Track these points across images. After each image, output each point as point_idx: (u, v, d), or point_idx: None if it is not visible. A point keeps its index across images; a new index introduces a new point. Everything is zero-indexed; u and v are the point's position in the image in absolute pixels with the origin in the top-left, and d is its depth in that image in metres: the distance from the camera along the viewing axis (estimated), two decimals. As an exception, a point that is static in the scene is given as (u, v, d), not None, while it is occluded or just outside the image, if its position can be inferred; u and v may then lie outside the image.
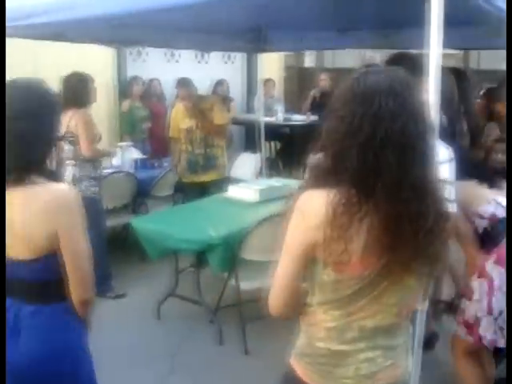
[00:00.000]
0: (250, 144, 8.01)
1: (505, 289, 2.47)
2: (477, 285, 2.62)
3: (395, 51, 3.16)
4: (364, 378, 1.54)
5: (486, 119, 4.21)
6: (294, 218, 1.49)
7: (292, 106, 9.55)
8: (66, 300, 1.81)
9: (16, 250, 1.75)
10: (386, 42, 4.64)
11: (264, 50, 6.11)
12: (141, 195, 5.43)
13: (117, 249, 4.89)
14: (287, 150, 8.69)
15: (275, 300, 1.55)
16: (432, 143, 1.46)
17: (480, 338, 2.59)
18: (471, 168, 3.20)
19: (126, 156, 5.70)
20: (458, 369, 2.81)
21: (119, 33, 4.41)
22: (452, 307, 3.04)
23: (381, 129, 1.37)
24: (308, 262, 1.49)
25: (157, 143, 6.97)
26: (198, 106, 5.27)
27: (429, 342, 3.22)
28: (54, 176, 1.84)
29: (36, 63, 6.38)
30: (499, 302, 2.51)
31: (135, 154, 5.99)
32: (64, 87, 4.41)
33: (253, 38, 5.79)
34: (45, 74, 6.59)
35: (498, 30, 2.62)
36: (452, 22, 2.28)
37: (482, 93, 4.60)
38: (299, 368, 1.59)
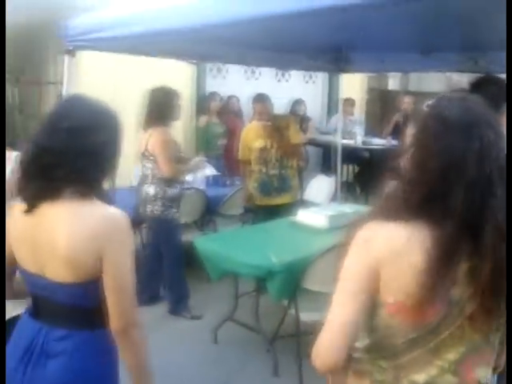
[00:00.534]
0: (327, 166, 7.86)
1: None
2: None
3: (482, 75, 2.96)
4: None
5: None
6: (356, 251, 1.36)
7: (373, 129, 9.31)
8: (100, 327, 1.71)
9: (55, 271, 1.67)
10: (472, 65, 4.38)
11: (344, 71, 5.98)
12: (210, 212, 5.37)
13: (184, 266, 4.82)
14: (365, 174, 8.43)
15: (324, 345, 1.38)
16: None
17: None
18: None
19: (198, 173, 5.66)
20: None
21: (198, 48, 4.39)
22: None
23: (486, 165, 1.27)
24: (367, 301, 1.35)
25: (231, 160, 6.90)
26: (274, 125, 5.06)
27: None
28: (107, 198, 1.74)
29: (116, 77, 6.50)
30: None
31: (209, 171, 5.95)
32: (149, 101, 4.36)
33: (333, 58, 5.68)
34: (124, 88, 6.78)
35: None
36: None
37: None
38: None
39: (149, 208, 4.42)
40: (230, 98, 7.66)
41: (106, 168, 1.74)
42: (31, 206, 1.66)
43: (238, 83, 8.10)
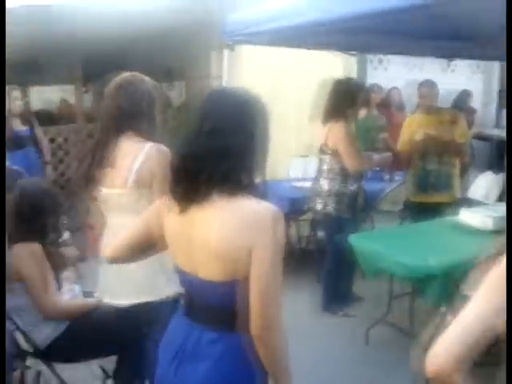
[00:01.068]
0: (495, 163, 7.34)
1: None
2: None
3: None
4: None
5: None
6: None
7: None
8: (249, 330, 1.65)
9: (207, 269, 1.66)
10: None
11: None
12: (367, 208, 5.21)
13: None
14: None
15: (447, 349, 1.23)
16: None
17: None
18: None
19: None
20: None
21: (356, 39, 4.26)
22: None
23: None
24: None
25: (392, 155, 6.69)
26: (439, 118, 4.76)
27: None
28: (258, 192, 1.68)
29: (274, 71, 6.54)
30: None
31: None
32: (331, 93, 4.25)
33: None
34: (283, 81, 6.81)
35: None
36: None
37: None
38: None
39: (320, 203, 4.36)
40: (391, 89, 7.40)
41: (253, 165, 1.68)
42: (182, 208, 1.67)
43: (400, 75, 7.81)
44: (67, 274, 3.19)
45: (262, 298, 1.60)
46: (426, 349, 1.30)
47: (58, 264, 2.94)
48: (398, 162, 5.47)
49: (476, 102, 8.17)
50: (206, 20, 5.99)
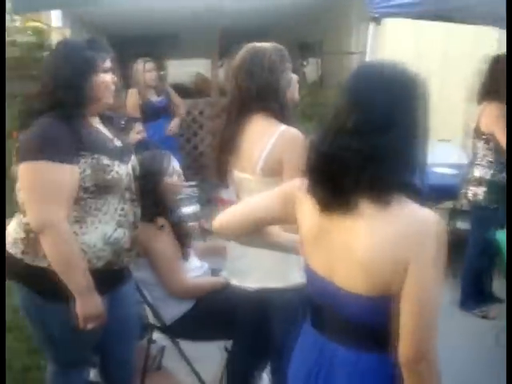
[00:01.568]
0: None
1: None
2: None
3: None
4: None
5: None
6: None
7: None
8: (387, 351, 1.43)
9: (346, 277, 1.45)
10: None
11: None
12: None
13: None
14: None
15: None
16: None
17: None
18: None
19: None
20: None
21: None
22: None
23: None
24: None
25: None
26: None
27: None
28: (418, 194, 1.42)
29: (417, 45, 6.14)
30: None
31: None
32: (486, 70, 3.85)
33: None
34: (427, 56, 6.37)
35: None
36: None
37: None
38: None
39: (471, 192, 4.01)
40: None
41: (412, 162, 1.40)
42: (322, 209, 1.46)
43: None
44: (196, 247, 3.12)
45: (416, 321, 1.36)
46: None
47: (184, 239, 2.86)
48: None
49: None
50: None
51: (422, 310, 1.36)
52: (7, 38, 6.33)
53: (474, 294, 4.15)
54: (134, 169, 2.37)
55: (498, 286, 4.26)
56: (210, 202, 6.35)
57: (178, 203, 3.09)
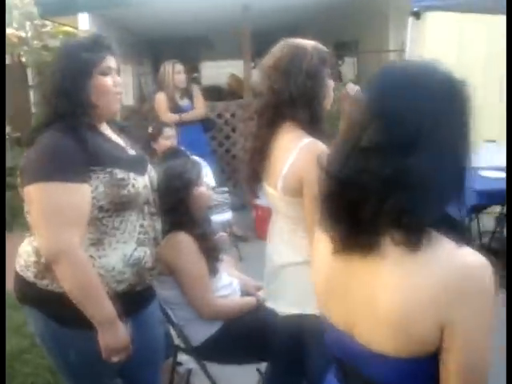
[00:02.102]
0: None
1: None
2: None
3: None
4: None
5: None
6: None
7: None
8: None
9: (370, 335, 1.17)
10: None
11: None
12: None
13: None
14: None
15: None
16: None
17: None
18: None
19: None
20: None
21: None
22: None
23: None
24: None
25: None
26: None
27: None
28: (460, 231, 1.13)
29: (461, 40, 5.83)
30: None
31: None
32: None
33: None
34: (471, 52, 6.05)
35: None
36: None
37: None
38: None
39: None
40: None
41: (450, 190, 1.10)
42: (339, 251, 1.18)
43: None
44: (226, 260, 2.92)
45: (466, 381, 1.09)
46: None
47: (212, 253, 2.65)
48: None
49: None
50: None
51: (468, 376, 1.09)
52: (40, 43, 6.29)
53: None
54: (151, 179, 2.16)
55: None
56: (244, 208, 6.18)
57: (205, 214, 2.88)
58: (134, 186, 1.98)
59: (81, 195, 1.85)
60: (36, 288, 1.96)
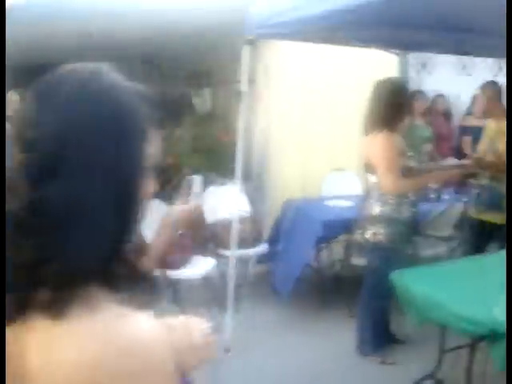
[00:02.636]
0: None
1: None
2: None
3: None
4: None
5: None
6: None
7: None
8: None
9: None
10: None
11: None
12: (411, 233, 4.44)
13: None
14: None
15: None
16: None
17: None
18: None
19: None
20: None
21: (400, 34, 3.56)
22: None
23: None
24: None
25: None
26: (499, 126, 4.07)
27: None
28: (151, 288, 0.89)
29: (308, 69, 5.90)
30: None
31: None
32: (373, 97, 3.55)
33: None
34: (316, 80, 6.12)
35: None
36: None
37: None
38: None
39: (370, 231, 3.64)
40: (437, 96, 6.63)
41: (114, 226, 0.80)
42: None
43: (447, 80, 7.02)
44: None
45: None
46: None
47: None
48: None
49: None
50: (234, 17, 5.37)
51: None
52: None
53: (373, 337, 3.78)
54: None
55: (396, 328, 3.94)
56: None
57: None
58: None
59: None
60: None
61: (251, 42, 3.39)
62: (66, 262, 0.75)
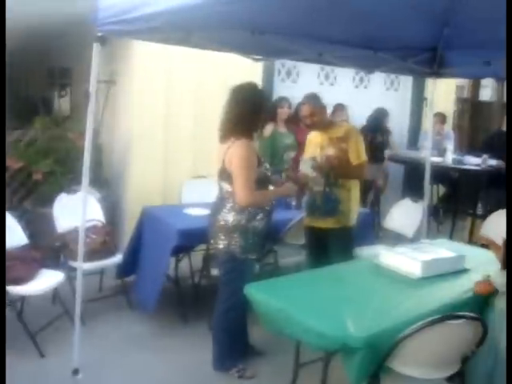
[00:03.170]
0: (410, 188, 6.82)
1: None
2: None
3: None
4: None
5: None
6: None
7: (461, 145, 8.25)
8: None
9: None
10: None
11: (438, 75, 4.95)
12: (270, 241, 4.36)
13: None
14: (452, 198, 7.38)
15: None
16: None
17: None
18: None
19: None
20: None
21: (260, 40, 3.46)
22: None
23: None
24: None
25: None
26: (328, 133, 4.12)
27: None
28: None
29: (170, 73, 5.72)
30: None
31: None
32: (231, 102, 3.39)
33: (426, 60, 4.69)
34: (178, 85, 5.96)
35: None
36: None
37: None
38: None
39: (223, 241, 3.47)
40: (300, 104, 6.66)
41: None
42: None
43: (310, 88, 7.10)
44: None
45: None
46: None
47: None
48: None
49: (394, 121, 7.62)
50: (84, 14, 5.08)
51: None
52: None
53: (228, 352, 3.64)
54: None
55: (255, 340, 3.85)
56: None
57: None
58: None
59: None
60: None
61: (100, 40, 3.13)
62: None
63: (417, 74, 5.89)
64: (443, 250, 3.45)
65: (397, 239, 4.95)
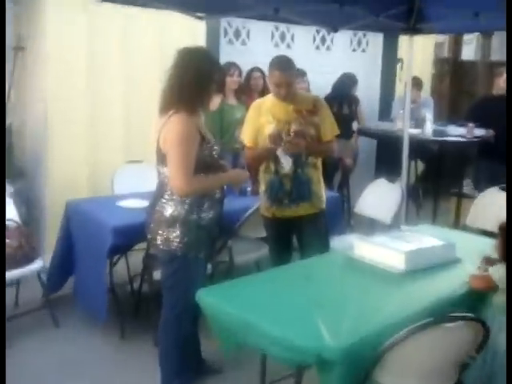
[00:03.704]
0: (384, 165, 6.86)
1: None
2: None
3: None
4: None
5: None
6: None
7: (440, 113, 8.35)
8: None
9: None
10: None
11: (415, 31, 4.93)
12: (223, 235, 4.27)
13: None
14: (433, 176, 7.44)
15: None
16: None
17: None
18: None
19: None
20: None
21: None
22: None
23: None
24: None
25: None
26: (294, 105, 4.01)
27: None
28: None
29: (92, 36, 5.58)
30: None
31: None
32: (171, 70, 3.27)
33: (401, 14, 4.68)
34: (103, 50, 5.81)
35: None
36: None
37: None
38: None
39: (161, 235, 3.37)
40: (251, 71, 6.61)
41: None
42: None
43: (263, 52, 7.06)
44: None
45: None
46: None
47: None
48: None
49: (362, 89, 7.63)
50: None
51: None
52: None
53: (176, 372, 3.58)
54: None
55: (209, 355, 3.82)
56: None
57: None
58: None
59: None
60: None
61: None
62: None
63: (390, 31, 5.91)
64: (429, 237, 3.47)
65: (372, 227, 4.99)
